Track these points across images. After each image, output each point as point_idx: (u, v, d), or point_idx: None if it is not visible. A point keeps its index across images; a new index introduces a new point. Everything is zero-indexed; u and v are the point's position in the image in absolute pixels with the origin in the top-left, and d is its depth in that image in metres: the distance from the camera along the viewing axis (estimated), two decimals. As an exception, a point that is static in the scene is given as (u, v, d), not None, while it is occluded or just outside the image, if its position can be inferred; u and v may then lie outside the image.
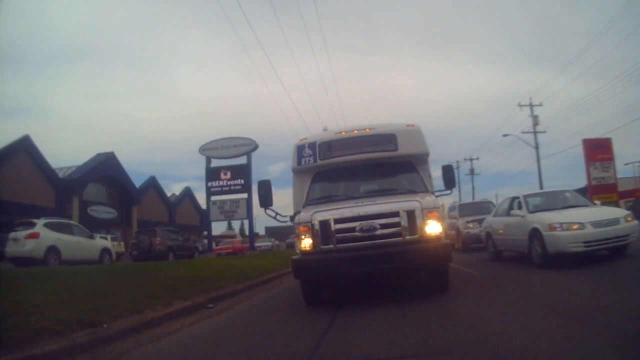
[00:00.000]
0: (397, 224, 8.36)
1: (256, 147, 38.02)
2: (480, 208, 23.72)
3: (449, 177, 10.72)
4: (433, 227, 8.42)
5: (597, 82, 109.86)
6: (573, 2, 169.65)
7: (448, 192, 11.08)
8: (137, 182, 60.87)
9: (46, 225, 19.80)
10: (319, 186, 10.63)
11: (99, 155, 53.42)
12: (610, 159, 43.13)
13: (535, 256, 12.05)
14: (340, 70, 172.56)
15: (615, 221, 11.52)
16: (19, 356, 5.17)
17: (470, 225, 21.48)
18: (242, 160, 37.83)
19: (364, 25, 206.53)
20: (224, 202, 37.18)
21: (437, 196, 10.53)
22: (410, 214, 8.38)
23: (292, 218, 10.52)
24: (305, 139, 11.17)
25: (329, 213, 8.69)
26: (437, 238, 8.49)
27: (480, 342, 5.00)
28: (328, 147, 10.76)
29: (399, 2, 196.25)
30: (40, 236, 18.96)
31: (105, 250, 22.26)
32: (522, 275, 11.07)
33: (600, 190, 41.07)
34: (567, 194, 14.74)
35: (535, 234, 12.04)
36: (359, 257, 8.32)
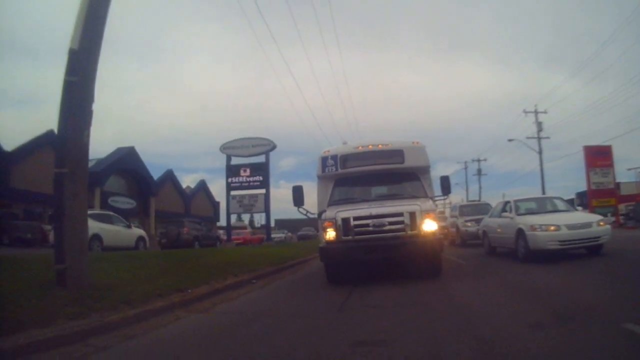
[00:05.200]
0: (401, 222, 10.46)
1: (274, 147, 40.30)
2: (478, 209, 25.94)
3: (446, 185, 12.87)
4: (429, 226, 10.54)
5: (609, 86, 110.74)
6: (589, 4, 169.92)
7: (444, 197, 13.61)
8: (151, 173, 63.08)
9: (90, 216, 21.75)
10: (339, 190, 12.73)
11: (119, 149, 55.59)
12: (610, 165, 44.79)
13: (520, 252, 13.94)
14: (353, 67, 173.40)
15: (588, 225, 13.36)
16: (140, 310, 7.46)
17: (469, 224, 23.78)
18: (261, 158, 40.17)
19: (377, 23, 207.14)
20: (242, 196, 39.53)
21: (435, 201, 12.63)
22: (412, 215, 10.50)
23: (319, 215, 12.13)
24: (328, 151, 13.16)
25: (348, 212, 10.75)
26: (432, 234, 10.60)
27: (454, 306, 7.37)
28: (347, 159, 12.80)
29: (412, 1, 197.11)
30: None
31: (141, 239, 24.45)
32: (503, 266, 13.13)
33: (599, 195, 42.96)
34: (554, 200, 16.59)
35: (520, 233, 13.91)
36: (371, 246, 10.44)
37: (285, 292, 10.88)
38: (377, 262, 11.66)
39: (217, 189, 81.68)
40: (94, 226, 21.06)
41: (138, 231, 25.47)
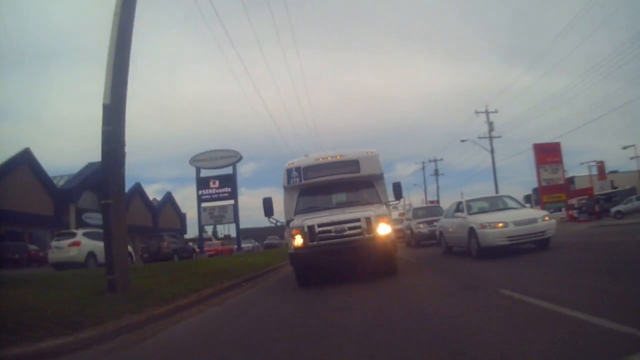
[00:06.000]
0: (359, 227, 11.89)
1: (240, 158, 43.23)
2: (430, 211, 29.02)
3: (397, 191, 14.66)
4: (383, 229, 11.96)
5: (565, 79, 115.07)
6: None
7: (397, 202, 15.72)
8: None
9: (84, 234, 24.28)
10: (304, 200, 14.24)
11: (90, 164, 57.37)
12: (559, 161, 47.86)
13: (472, 249, 15.11)
14: (311, 68, 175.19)
15: (534, 220, 14.57)
16: (174, 305, 10.18)
17: (421, 225, 26.74)
18: (229, 170, 42.95)
19: (333, 23, 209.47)
20: (213, 208, 42.29)
21: (389, 206, 14.42)
22: (368, 220, 11.93)
23: (287, 223, 13.75)
24: (292, 163, 14.63)
25: (313, 220, 12.18)
26: (387, 236, 11.99)
27: (398, 288, 10.38)
28: (309, 170, 14.27)
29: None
30: (81, 244, 23.28)
31: (128, 254, 26.56)
32: (446, 262, 15.68)
33: (550, 191, 46.25)
34: (504, 199, 17.88)
35: (472, 231, 14.99)
36: (334, 250, 11.83)
37: (271, 290, 13.71)
38: (341, 265, 12.87)
39: (181, 199, 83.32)
40: (88, 244, 23.47)
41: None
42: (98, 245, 23.30)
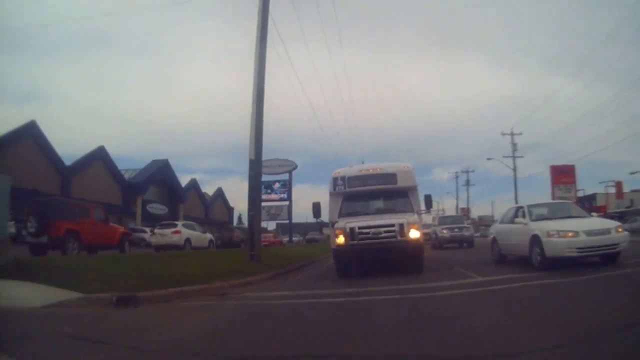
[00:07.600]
0: (393, 231, 13.50)
1: (295, 167, 51.87)
2: (453, 219, 36.46)
3: (428, 202, 17.04)
4: (414, 234, 13.56)
5: (606, 92, 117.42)
6: (590, 5, 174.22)
7: (427, 211, 18.52)
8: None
9: (183, 225, 32.01)
10: (347, 205, 15.93)
11: (155, 161, 67.44)
12: (573, 182, 54.16)
13: (535, 259, 13.86)
14: (354, 67, 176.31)
15: (607, 231, 13.14)
16: (286, 270, 18.35)
17: (444, 231, 33.47)
18: (285, 176, 51.75)
19: (378, 24, 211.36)
20: (270, 207, 51.22)
21: (420, 214, 16.19)
22: (401, 226, 13.51)
23: (332, 224, 15.64)
24: (339, 172, 16.51)
25: (354, 223, 13.87)
26: (417, 240, 13.62)
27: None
28: (352, 179, 16.12)
29: (413, 1, 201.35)
30: (181, 232, 30.49)
31: (211, 241, 34.45)
32: (448, 257, 22.36)
33: None
34: (566, 206, 17.31)
35: (535, 240, 13.72)
36: (371, 249, 13.52)
37: (328, 269, 18.92)
38: (375, 262, 14.61)
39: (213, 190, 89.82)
40: (186, 232, 30.99)
41: (209, 235, 35.37)
42: (192, 233, 31.55)
